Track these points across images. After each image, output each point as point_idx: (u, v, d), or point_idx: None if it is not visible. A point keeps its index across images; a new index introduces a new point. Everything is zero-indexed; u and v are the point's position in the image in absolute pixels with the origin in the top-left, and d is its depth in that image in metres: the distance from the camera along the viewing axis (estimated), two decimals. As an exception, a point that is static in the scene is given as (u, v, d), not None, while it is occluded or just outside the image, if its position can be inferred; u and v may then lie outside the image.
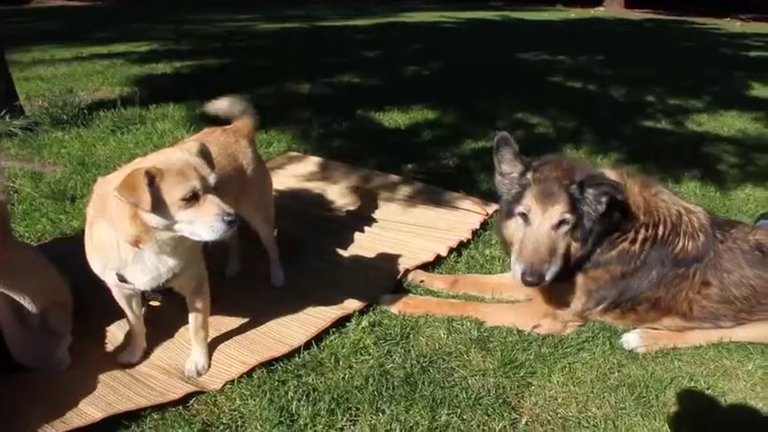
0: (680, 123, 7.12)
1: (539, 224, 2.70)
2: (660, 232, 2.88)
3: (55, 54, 9.36)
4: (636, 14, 23.02)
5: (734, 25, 20.52)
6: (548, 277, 2.68)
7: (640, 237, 2.88)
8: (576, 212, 2.68)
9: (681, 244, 2.89)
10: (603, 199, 2.68)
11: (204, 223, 2.09)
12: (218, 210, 2.10)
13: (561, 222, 2.69)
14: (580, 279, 2.95)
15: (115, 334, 2.83)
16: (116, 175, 2.16)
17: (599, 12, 23.28)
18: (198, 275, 2.52)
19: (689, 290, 2.92)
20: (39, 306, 2.56)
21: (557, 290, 2.97)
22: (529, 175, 2.77)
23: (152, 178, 2.01)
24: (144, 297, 2.52)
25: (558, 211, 2.68)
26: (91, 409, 2.32)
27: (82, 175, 4.52)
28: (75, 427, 2.23)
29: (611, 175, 2.94)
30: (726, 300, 2.93)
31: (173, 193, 2.05)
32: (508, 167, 2.87)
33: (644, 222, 2.90)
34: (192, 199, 2.07)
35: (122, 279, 2.29)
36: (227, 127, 3.08)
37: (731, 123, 7.16)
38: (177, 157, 2.15)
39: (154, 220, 2.07)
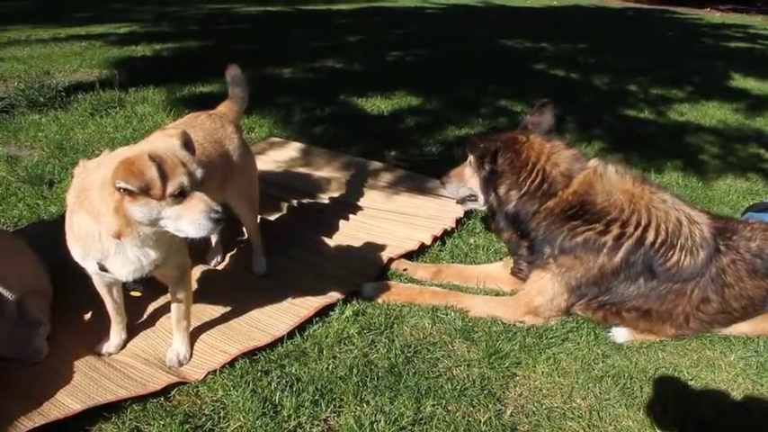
0: (662, 113, 7.15)
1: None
2: (650, 238, 2.80)
3: (31, 34, 9.13)
4: (617, 3, 23.03)
5: (714, 16, 20.64)
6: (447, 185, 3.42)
7: (614, 231, 2.81)
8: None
9: (676, 257, 2.81)
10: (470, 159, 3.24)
11: (191, 220, 2.05)
12: (205, 207, 2.06)
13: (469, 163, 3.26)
14: (553, 267, 2.93)
15: (95, 323, 2.76)
16: (97, 164, 2.10)
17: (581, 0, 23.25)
18: (180, 265, 2.48)
19: (686, 305, 2.87)
20: (15, 293, 2.50)
21: (540, 285, 2.97)
22: None
23: (158, 163, 1.95)
24: (125, 287, 2.47)
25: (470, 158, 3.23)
26: (69, 400, 2.27)
27: (60, 159, 4.43)
28: (54, 420, 2.17)
29: (593, 164, 2.96)
30: (724, 311, 2.91)
31: None
32: None
33: (620, 219, 2.82)
34: (180, 195, 2.02)
35: (103, 268, 2.23)
36: (213, 111, 3.03)
37: (712, 114, 7.21)
38: (166, 149, 2.07)
39: (139, 213, 2.00)
